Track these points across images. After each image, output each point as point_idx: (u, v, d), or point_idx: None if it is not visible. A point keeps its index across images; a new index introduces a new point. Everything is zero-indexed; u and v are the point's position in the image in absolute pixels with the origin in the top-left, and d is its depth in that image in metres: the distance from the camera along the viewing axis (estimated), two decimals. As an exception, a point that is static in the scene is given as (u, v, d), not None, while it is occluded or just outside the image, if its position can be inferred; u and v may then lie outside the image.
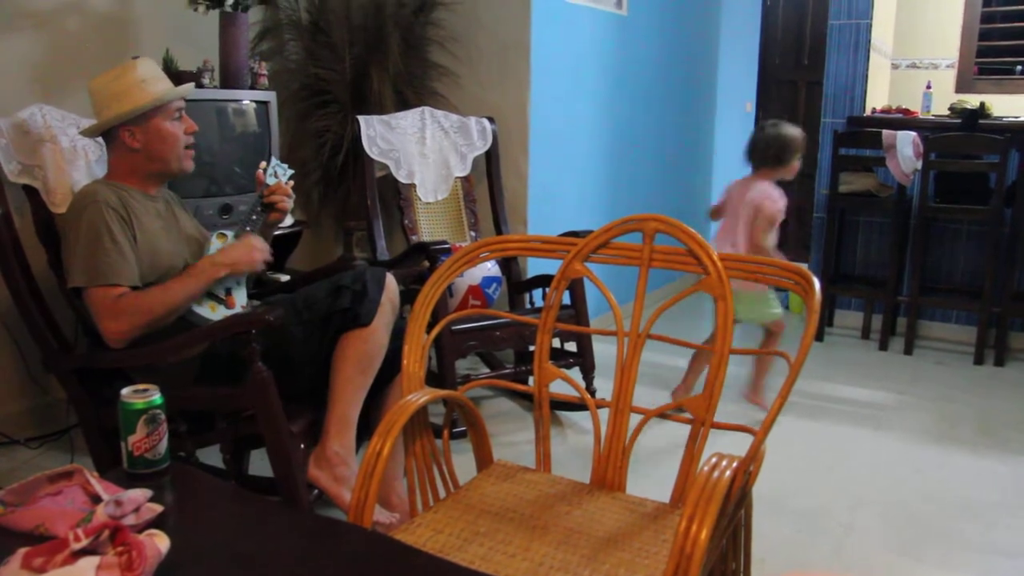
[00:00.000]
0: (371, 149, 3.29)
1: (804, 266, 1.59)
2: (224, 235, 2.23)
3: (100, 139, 2.33)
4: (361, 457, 1.45)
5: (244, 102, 3.06)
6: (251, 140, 3.09)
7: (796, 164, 3.22)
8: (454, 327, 2.86)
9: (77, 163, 2.43)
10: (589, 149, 4.19)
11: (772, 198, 3.11)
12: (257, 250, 2.20)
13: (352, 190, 3.70)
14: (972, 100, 4.41)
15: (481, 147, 3.53)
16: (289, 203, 2.31)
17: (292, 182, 2.31)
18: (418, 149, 3.43)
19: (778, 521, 2.45)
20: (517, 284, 3.43)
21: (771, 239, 3.12)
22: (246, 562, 1.16)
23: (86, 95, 2.16)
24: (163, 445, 1.35)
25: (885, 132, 3.98)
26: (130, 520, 1.15)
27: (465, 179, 3.53)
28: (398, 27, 3.65)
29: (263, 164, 2.27)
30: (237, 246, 2.18)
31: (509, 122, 3.68)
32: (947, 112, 4.41)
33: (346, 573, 1.15)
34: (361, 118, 3.30)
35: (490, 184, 3.54)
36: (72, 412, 2.35)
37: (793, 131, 3.20)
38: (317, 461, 2.08)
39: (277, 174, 2.27)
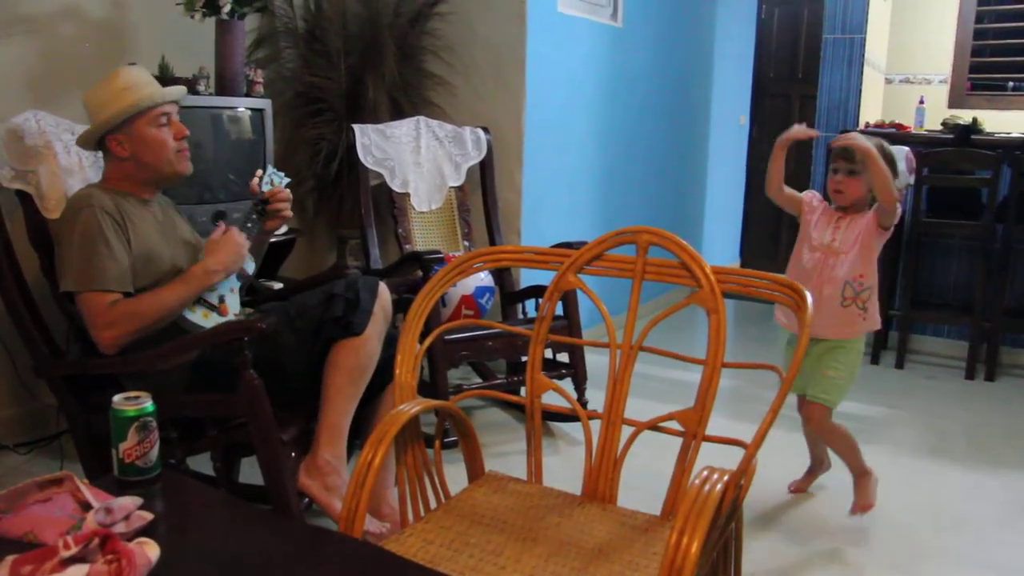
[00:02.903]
0: (366, 158, 3.29)
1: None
2: (219, 242, 2.22)
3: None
4: (352, 466, 1.45)
5: (239, 109, 3.06)
6: (246, 147, 3.09)
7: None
8: (447, 337, 2.86)
9: (71, 169, 2.42)
10: (583, 160, 4.20)
11: None
12: (240, 244, 2.18)
13: (346, 198, 3.70)
14: (965, 115, 4.43)
15: (475, 157, 3.54)
16: (289, 209, 2.31)
17: (289, 190, 2.31)
18: (412, 158, 3.43)
19: (769, 535, 2.45)
20: (510, 295, 3.44)
21: None
22: (236, 570, 1.15)
23: (81, 101, 2.15)
24: (154, 453, 1.35)
25: (878, 147, 3.99)
26: (120, 528, 1.15)
27: (459, 189, 3.53)
28: (393, 36, 3.66)
29: (259, 172, 2.27)
30: (223, 246, 2.15)
31: (504, 132, 3.69)
32: (940, 127, 4.42)
33: (336, 583, 1.15)
34: (356, 127, 3.31)
35: (484, 194, 3.55)
36: (62, 418, 2.34)
37: None
38: (308, 470, 2.07)
39: (274, 182, 2.27)
